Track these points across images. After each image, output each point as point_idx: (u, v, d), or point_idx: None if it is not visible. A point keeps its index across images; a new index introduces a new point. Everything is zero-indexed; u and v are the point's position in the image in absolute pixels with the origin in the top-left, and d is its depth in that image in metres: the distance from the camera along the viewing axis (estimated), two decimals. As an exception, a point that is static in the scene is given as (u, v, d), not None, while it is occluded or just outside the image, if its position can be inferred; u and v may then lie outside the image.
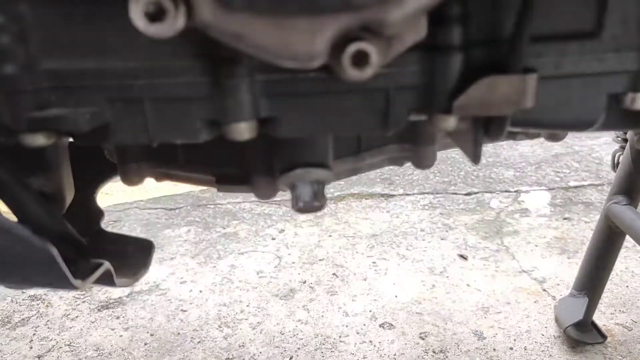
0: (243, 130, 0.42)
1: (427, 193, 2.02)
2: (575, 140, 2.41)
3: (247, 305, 1.43)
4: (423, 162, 0.61)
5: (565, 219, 1.80)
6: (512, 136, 0.64)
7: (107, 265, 0.47)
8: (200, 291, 1.49)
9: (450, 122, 0.44)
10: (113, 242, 0.59)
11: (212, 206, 1.98)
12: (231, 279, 1.55)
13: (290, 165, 0.53)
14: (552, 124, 0.48)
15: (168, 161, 0.58)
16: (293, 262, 1.62)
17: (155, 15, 0.33)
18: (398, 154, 0.62)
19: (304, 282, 1.52)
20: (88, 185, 0.63)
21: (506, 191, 2.00)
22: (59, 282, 0.42)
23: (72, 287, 0.42)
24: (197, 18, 0.34)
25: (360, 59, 0.36)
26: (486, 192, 2.00)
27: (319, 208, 0.55)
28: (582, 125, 0.48)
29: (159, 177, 0.60)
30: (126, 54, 0.40)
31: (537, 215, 1.83)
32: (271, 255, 1.66)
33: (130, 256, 0.57)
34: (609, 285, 1.44)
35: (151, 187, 2.14)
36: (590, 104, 0.47)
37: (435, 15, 0.40)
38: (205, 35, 0.35)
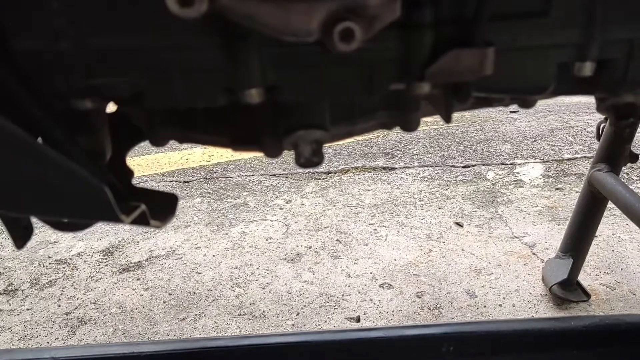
0: (254, 96, 0.52)
1: (427, 166, 2.11)
2: (572, 116, 2.48)
3: (257, 268, 1.54)
4: (409, 126, 0.70)
5: (557, 189, 1.89)
6: (487, 103, 0.73)
7: (143, 207, 0.57)
8: (214, 255, 1.60)
9: (424, 88, 0.53)
10: (143, 194, 0.69)
11: (223, 179, 2.09)
12: (242, 244, 1.66)
13: (293, 127, 0.63)
14: (512, 90, 0.57)
15: (189, 126, 0.68)
16: (299, 230, 1.73)
17: (186, 0, 0.43)
18: (387, 120, 0.71)
19: (310, 248, 1.63)
20: (119, 147, 0.72)
21: (502, 164, 2.09)
22: (107, 216, 0.52)
23: (119, 220, 0.52)
24: (216, 3, 0.44)
25: (347, 35, 0.45)
26: (483, 164, 2.09)
27: (318, 163, 0.65)
28: (537, 90, 0.57)
29: (181, 140, 0.70)
30: (158, 33, 0.50)
31: (531, 186, 1.92)
32: (279, 224, 1.77)
33: (159, 205, 0.67)
34: (595, 249, 1.54)
35: (165, 162, 2.25)
36: (542, 72, 0.56)
37: (411, -1, 0.49)
38: (223, 17, 0.45)
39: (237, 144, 0.68)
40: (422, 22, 0.51)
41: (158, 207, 0.67)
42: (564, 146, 2.21)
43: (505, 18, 0.53)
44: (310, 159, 0.64)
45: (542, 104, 3.01)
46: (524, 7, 0.53)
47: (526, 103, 0.75)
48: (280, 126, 0.65)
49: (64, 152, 0.53)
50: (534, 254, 1.56)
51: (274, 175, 2.11)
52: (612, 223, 1.66)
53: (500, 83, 0.56)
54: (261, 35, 0.47)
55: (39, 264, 1.60)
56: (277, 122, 0.65)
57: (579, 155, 2.11)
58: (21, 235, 0.62)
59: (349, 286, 1.46)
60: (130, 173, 0.72)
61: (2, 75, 0.50)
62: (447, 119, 0.59)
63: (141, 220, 0.59)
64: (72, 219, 0.56)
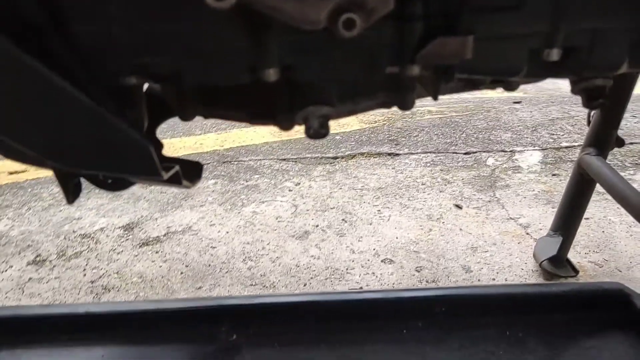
0: (271, 74, 0.62)
1: (430, 152, 2.20)
2: (573, 107, 2.56)
3: (268, 244, 1.65)
4: (405, 105, 0.80)
5: (554, 175, 1.98)
6: (473, 85, 0.82)
7: (177, 168, 0.68)
8: (227, 232, 1.71)
9: (415, 70, 0.64)
10: (174, 160, 0.79)
11: (235, 163, 2.20)
12: (253, 222, 1.77)
13: (304, 103, 0.74)
14: (489, 71, 0.67)
15: (214, 102, 0.78)
16: (307, 210, 1.83)
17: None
18: (386, 99, 0.82)
19: (317, 226, 1.73)
20: (151, 121, 0.83)
21: (502, 151, 2.18)
22: (150, 172, 0.62)
23: (160, 177, 0.63)
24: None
25: (349, 24, 0.55)
26: (484, 151, 2.18)
27: (325, 135, 0.75)
28: (511, 72, 0.67)
29: (206, 115, 0.81)
30: (194, 20, 0.60)
31: (528, 172, 2.01)
32: (288, 204, 1.88)
33: (187, 169, 0.78)
34: (586, 230, 1.64)
35: (180, 147, 2.35)
36: (516, 56, 0.66)
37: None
38: (249, 7, 0.55)
39: (255, 119, 0.78)
40: (414, 14, 0.61)
41: (187, 171, 0.78)
42: (563, 135, 2.30)
43: (484, 11, 0.63)
44: (318, 131, 0.75)
45: (545, 95, 3.09)
46: (500, 2, 0.63)
47: (510, 86, 0.85)
48: (293, 103, 0.75)
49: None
50: (527, 234, 1.65)
51: (284, 159, 2.21)
52: (604, 207, 1.76)
53: (479, 66, 0.66)
54: (279, 22, 0.57)
55: (65, 238, 1.72)
56: (291, 100, 0.76)
57: (576, 144, 2.20)
58: (72, 192, 0.73)
59: (353, 261, 1.56)
60: (160, 145, 0.83)
61: (65, 55, 0.61)
62: (435, 97, 0.69)
63: (175, 180, 0.70)
64: (120, 175, 0.66)
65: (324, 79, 0.71)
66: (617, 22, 0.65)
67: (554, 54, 0.65)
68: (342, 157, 2.20)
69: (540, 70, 0.68)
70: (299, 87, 0.72)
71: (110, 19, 0.59)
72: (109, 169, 0.62)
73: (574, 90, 0.82)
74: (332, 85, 0.74)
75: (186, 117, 0.78)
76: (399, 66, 0.65)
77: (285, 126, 0.78)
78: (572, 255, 1.50)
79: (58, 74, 0.58)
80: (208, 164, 2.21)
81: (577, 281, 1.43)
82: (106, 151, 0.59)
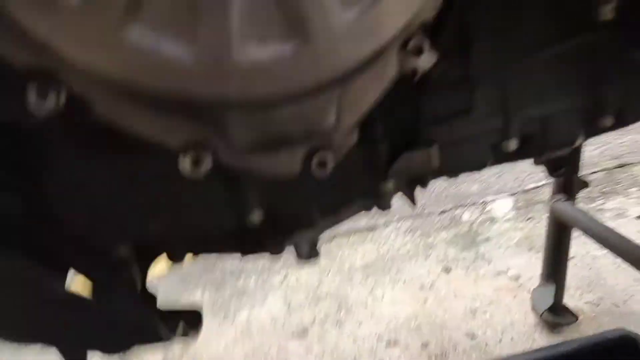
0: (256, 217, 0.65)
1: (406, 217, 2.23)
2: (529, 146, 2.67)
3: (269, 349, 1.61)
4: (384, 207, 0.83)
5: (528, 219, 2.03)
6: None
7: (182, 324, 0.69)
8: (226, 345, 1.68)
9: (389, 185, 0.67)
10: (171, 314, 0.79)
11: (219, 269, 2.18)
12: (250, 329, 1.73)
13: (290, 231, 0.76)
14: (459, 171, 0.71)
15: (204, 243, 0.80)
16: (300, 304, 1.81)
17: (195, 163, 0.55)
18: (366, 204, 0.84)
19: (314, 320, 1.72)
20: (144, 278, 0.82)
21: (474, 204, 2.23)
22: (158, 340, 0.63)
23: (167, 340, 0.63)
24: (221, 160, 0.56)
25: (322, 164, 0.58)
26: (457, 207, 2.23)
27: (316, 256, 0.77)
28: (479, 167, 0.71)
29: (198, 253, 0.82)
30: (176, 189, 0.62)
31: (504, 221, 2.06)
32: (280, 301, 1.85)
33: (187, 319, 0.78)
34: (574, 270, 1.67)
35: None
36: (479, 153, 0.70)
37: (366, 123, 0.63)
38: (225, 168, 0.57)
39: (247, 253, 0.80)
40: (376, 137, 0.65)
41: (188, 321, 0.78)
42: (526, 176, 2.37)
43: (442, 119, 0.67)
44: (309, 253, 0.77)
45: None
46: (454, 108, 0.68)
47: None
48: (280, 233, 0.77)
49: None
50: (520, 285, 1.68)
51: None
52: (583, 242, 1.79)
53: (449, 167, 0.70)
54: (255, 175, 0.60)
55: None
56: (277, 231, 0.78)
57: (540, 184, 2.26)
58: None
59: (357, 350, 1.54)
60: (153, 299, 0.83)
61: (48, 240, 0.62)
62: (414, 203, 0.73)
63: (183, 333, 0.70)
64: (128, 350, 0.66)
65: (306, 207, 0.74)
66: (562, 104, 0.70)
67: (512, 144, 0.70)
68: (323, 241, 2.21)
69: (504, 158, 0.73)
70: (283, 218, 0.75)
71: (93, 208, 0.61)
72: (117, 350, 0.62)
73: (536, 162, 0.87)
74: (313, 210, 0.76)
75: (177, 261, 0.79)
76: (374, 182, 0.68)
77: (276, 253, 0.80)
78: (567, 299, 1.52)
79: (40, 258, 0.59)
80: (191, 272, 2.18)
81: (578, 330, 1.44)
82: (112, 333, 0.59)
